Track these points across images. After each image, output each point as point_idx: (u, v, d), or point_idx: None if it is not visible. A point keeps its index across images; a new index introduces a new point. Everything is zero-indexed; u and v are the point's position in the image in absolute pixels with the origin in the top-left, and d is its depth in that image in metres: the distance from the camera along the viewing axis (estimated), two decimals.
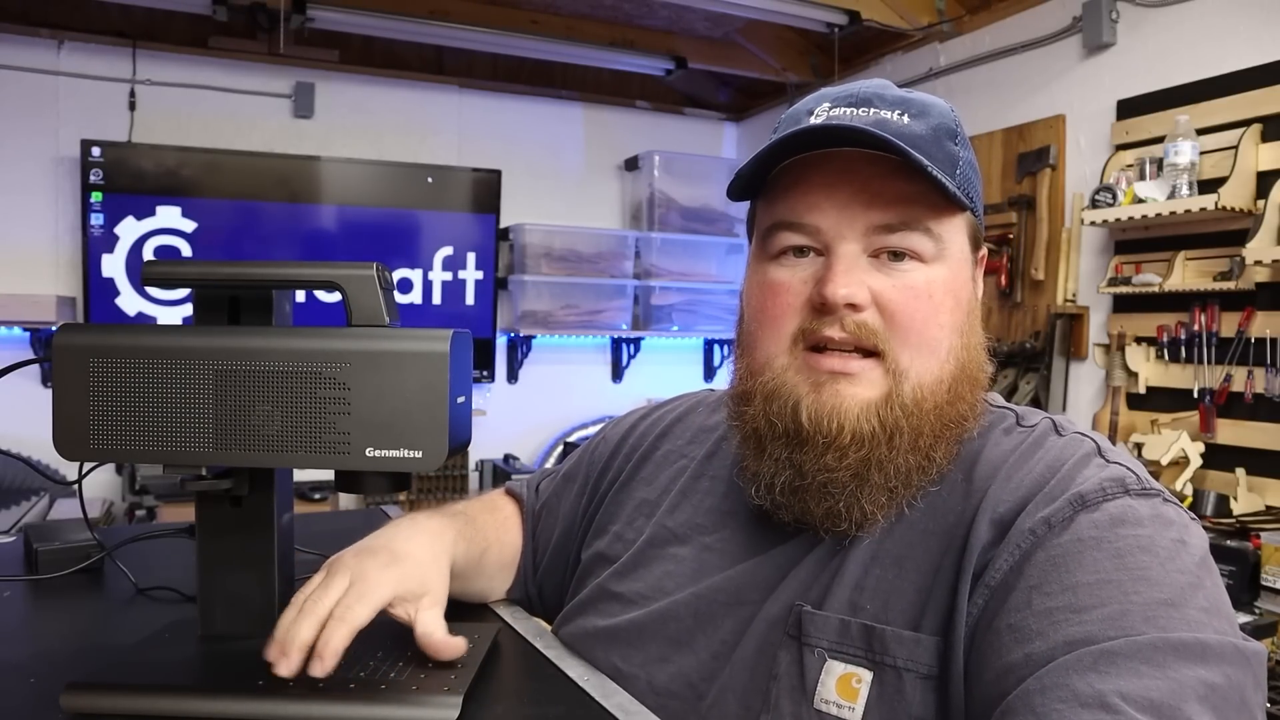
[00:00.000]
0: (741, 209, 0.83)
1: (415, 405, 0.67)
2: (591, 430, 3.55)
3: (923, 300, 0.70)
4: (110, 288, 3.22)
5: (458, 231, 3.69)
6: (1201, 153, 2.38)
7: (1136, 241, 2.62)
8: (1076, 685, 0.54)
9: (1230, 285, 2.32)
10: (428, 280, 3.67)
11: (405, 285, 3.63)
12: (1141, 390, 2.60)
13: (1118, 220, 2.50)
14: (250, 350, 0.67)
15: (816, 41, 3.64)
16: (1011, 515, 0.65)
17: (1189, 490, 2.41)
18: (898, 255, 0.71)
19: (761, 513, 0.76)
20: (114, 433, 0.68)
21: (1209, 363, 2.42)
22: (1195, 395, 2.44)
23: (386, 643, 0.74)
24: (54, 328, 2.74)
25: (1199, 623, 0.57)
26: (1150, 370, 2.58)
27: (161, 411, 0.68)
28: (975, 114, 3.16)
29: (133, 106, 3.33)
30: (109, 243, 3.19)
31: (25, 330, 3.19)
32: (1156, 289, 2.49)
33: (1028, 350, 2.89)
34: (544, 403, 4.00)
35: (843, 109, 0.73)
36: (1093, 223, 2.58)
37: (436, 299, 3.68)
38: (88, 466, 0.76)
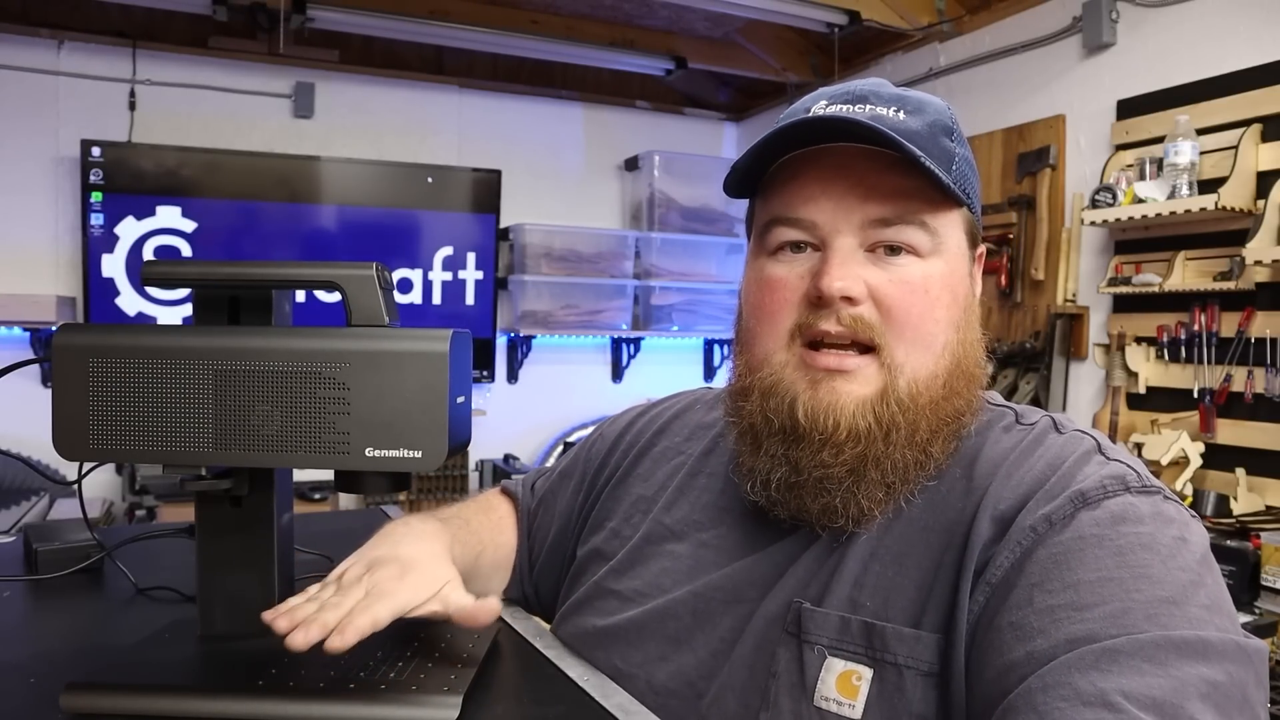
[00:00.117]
0: (741, 209, 0.84)
1: (415, 405, 0.67)
2: (591, 430, 3.55)
3: (919, 295, 0.71)
4: (110, 288, 3.22)
5: (458, 231, 3.69)
6: (1201, 153, 2.38)
7: (1136, 241, 2.62)
8: (1078, 683, 0.54)
9: (1230, 285, 2.32)
10: (428, 280, 3.67)
11: (405, 285, 3.63)
12: (1141, 390, 2.60)
13: (1118, 220, 2.50)
14: (250, 350, 0.67)
15: (816, 41, 3.64)
16: (1012, 512, 0.65)
17: (1189, 490, 2.41)
18: (894, 250, 0.71)
19: (758, 509, 0.76)
20: (114, 433, 0.68)
21: (1209, 363, 2.42)
22: (1195, 395, 2.44)
23: (386, 643, 0.74)
24: (54, 328, 2.74)
25: (1200, 620, 0.57)
26: (1150, 370, 2.58)
27: (161, 411, 0.68)
28: (975, 114, 3.16)
29: (133, 106, 3.33)
30: (109, 243, 3.19)
31: (25, 330, 3.19)
32: (1156, 289, 2.49)
33: (1028, 350, 2.89)
34: (544, 403, 4.00)
35: (839, 106, 0.73)
36: (1093, 223, 2.58)
37: (436, 299, 3.68)
38: (88, 466, 0.76)
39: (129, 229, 3.21)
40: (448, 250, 3.68)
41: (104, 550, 1.03)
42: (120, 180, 3.18)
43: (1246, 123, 2.32)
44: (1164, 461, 2.39)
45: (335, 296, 0.71)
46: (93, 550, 1.03)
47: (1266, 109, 2.30)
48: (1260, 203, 2.25)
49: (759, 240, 0.76)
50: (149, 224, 3.24)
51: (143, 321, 3.22)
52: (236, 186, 3.34)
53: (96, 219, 3.17)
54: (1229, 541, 2.10)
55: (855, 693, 0.66)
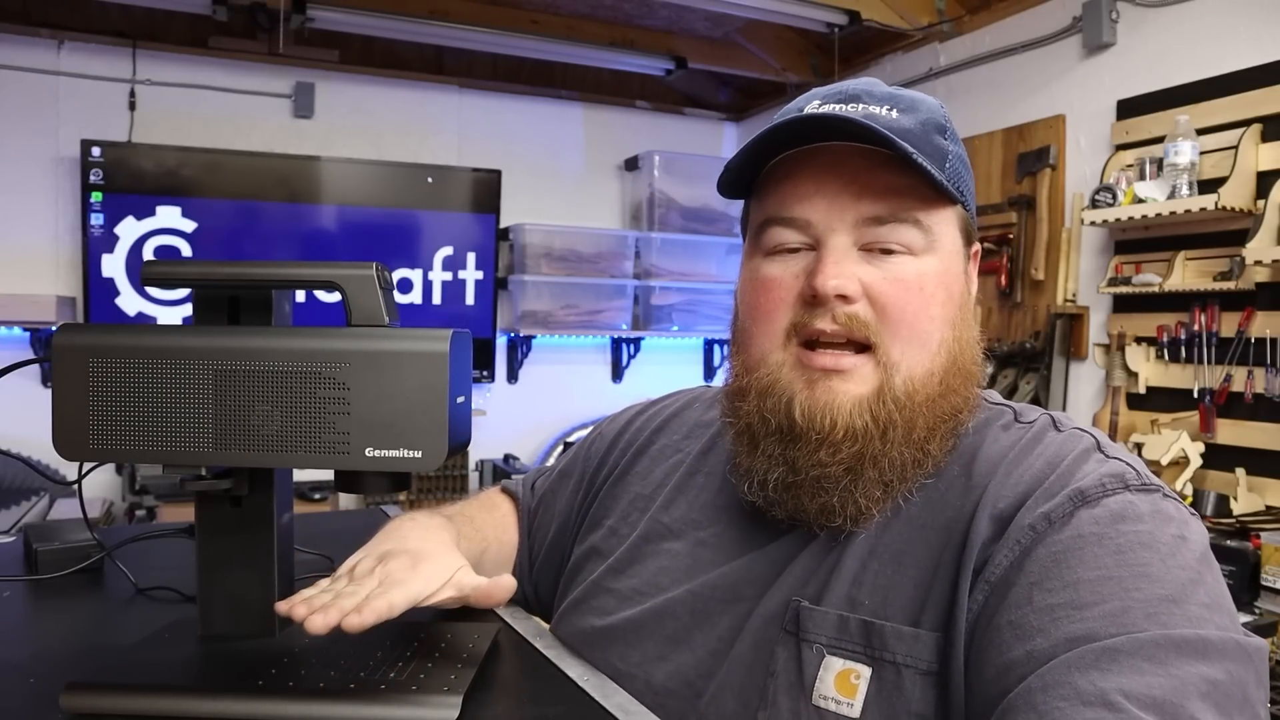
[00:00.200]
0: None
1: (415, 405, 0.67)
2: (591, 429, 3.55)
3: (913, 292, 0.71)
4: (110, 288, 3.22)
5: (458, 231, 3.69)
6: (1201, 153, 2.38)
7: (1136, 241, 2.62)
8: (1078, 683, 0.54)
9: (1230, 285, 2.32)
10: (428, 280, 3.67)
11: (405, 285, 3.63)
12: (1141, 390, 2.60)
13: (1118, 220, 2.50)
14: (250, 350, 0.67)
15: (816, 41, 3.64)
16: (1011, 511, 0.65)
17: (1189, 490, 2.41)
18: (888, 248, 0.71)
19: (756, 509, 0.76)
20: (114, 433, 0.68)
21: (1209, 363, 2.42)
22: (1195, 395, 2.44)
23: (386, 643, 0.74)
24: (54, 328, 2.74)
25: (1200, 619, 0.57)
26: (1150, 370, 2.58)
27: (161, 411, 0.68)
28: (975, 114, 3.16)
29: (133, 106, 3.33)
30: (109, 243, 3.19)
31: (25, 330, 3.19)
32: (1156, 289, 2.49)
33: (1028, 350, 2.89)
34: (544, 403, 4.00)
35: (832, 105, 0.74)
36: (1093, 223, 2.58)
37: (436, 299, 3.68)
38: (88, 466, 0.76)
39: (129, 229, 3.21)
40: (448, 250, 3.68)
41: (104, 550, 1.03)
42: (120, 180, 3.18)
43: (1246, 123, 2.32)
44: (1164, 461, 2.39)
45: (335, 296, 0.70)
46: (93, 550, 1.03)
47: (1266, 109, 2.30)
48: (1260, 203, 2.25)
49: (754, 240, 0.77)
50: (149, 224, 3.24)
51: (143, 321, 3.22)
52: (236, 186, 3.35)
53: (96, 219, 3.17)
54: (1229, 541, 2.10)
55: (854, 691, 0.66)
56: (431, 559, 0.74)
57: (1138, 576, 0.58)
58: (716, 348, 4.30)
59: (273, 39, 3.24)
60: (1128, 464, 0.66)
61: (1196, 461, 2.40)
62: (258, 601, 0.79)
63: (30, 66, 3.19)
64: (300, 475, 2.81)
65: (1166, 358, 2.53)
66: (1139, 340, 2.61)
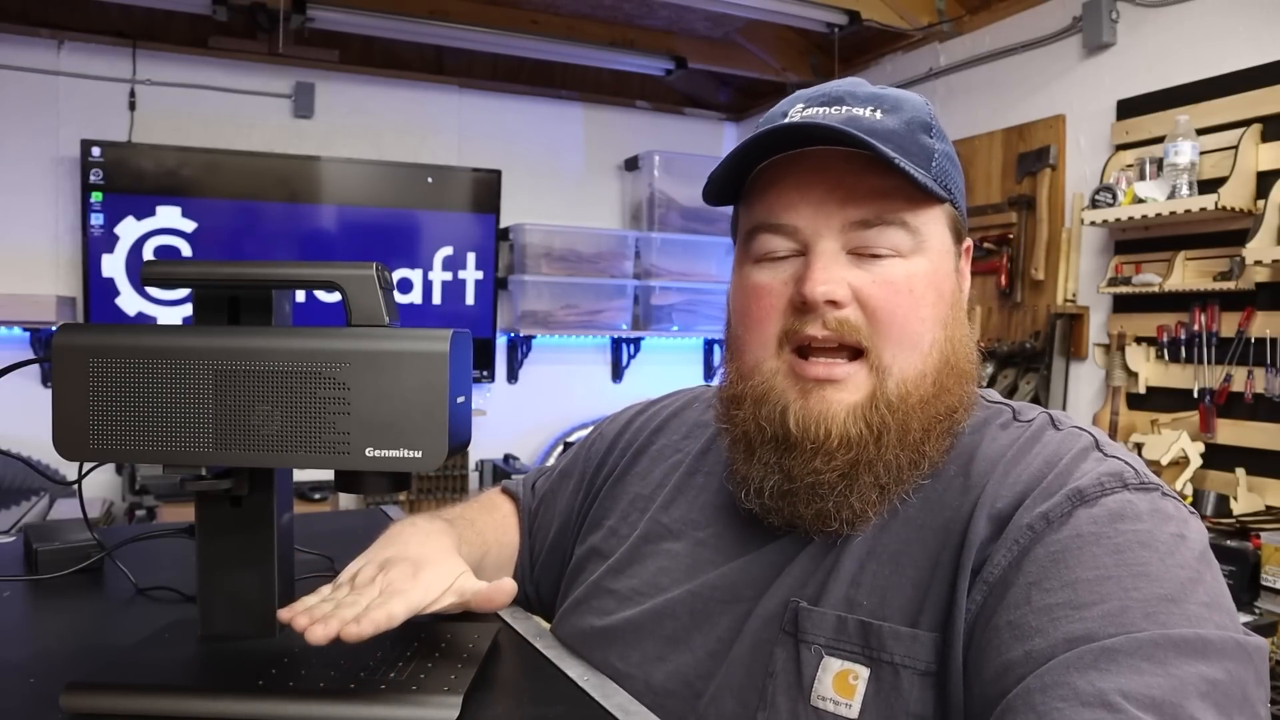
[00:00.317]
0: None
1: (415, 405, 0.67)
2: (591, 429, 3.55)
3: (903, 295, 0.71)
4: (110, 288, 3.22)
5: (458, 231, 3.69)
6: (1201, 153, 2.38)
7: (1136, 241, 2.62)
8: (1077, 683, 0.54)
9: (1230, 285, 2.32)
10: (428, 280, 3.67)
11: (405, 285, 3.63)
12: (1141, 390, 2.60)
13: (1118, 220, 2.50)
14: (250, 350, 0.67)
15: (816, 41, 3.64)
16: (1009, 510, 0.65)
17: (1189, 490, 2.41)
18: (876, 251, 0.71)
19: (754, 512, 0.76)
20: (114, 433, 0.68)
21: (1209, 363, 2.42)
22: (1195, 395, 2.44)
23: (386, 643, 0.74)
24: (54, 328, 2.74)
25: (1199, 618, 0.57)
26: (1150, 370, 2.58)
27: (161, 411, 0.68)
28: (975, 114, 3.16)
29: (133, 106, 3.33)
30: (109, 243, 3.19)
31: (25, 330, 3.19)
32: (1156, 289, 2.49)
33: (1028, 350, 2.89)
34: (544, 403, 4.00)
35: (816, 108, 0.74)
36: (1093, 223, 2.58)
37: (436, 299, 3.68)
38: (88, 466, 0.76)
39: (129, 229, 3.21)
40: (448, 250, 3.68)
41: (104, 550, 1.03)
42: (120, 180, 3.18)
43: (1246, 123, 2.32)
44: (1164, 461, 2.39)
45: (335, 296, 0.70)
46: (93, 550, 1.03)
47: (1266, 109, 2.30)
48: (1260, 203, 2.25)
49: (743, 247, 0.77)
50: (149, 224, 3.24)
51: (143, 321, 3.22)
52: (236, 186, 3.35)
53: (96, 219, 3.17)
54: (1229, 541, 2.10)
55: (852, 692, 0.66)
56: (432, 566, 0.74)
57: (1136, 576, 0.58)
58: (716, 348, 4.30)
59: (273, 39, 3.24)
60: (1126, 463, 0.66)
61: (1196, 461, 2.40)
62: (258, 601, 0.79)
63: (30, 66, 3.19)
64: (300, 475, 2.81)
65: (1166, 358, 2.53)
66: (1139, 340, 2.61)
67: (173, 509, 3.02)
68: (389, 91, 3.73)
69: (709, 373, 4.34)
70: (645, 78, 4.06)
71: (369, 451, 0.67)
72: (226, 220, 3.35)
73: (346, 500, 3.20)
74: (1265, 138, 2.30)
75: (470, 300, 3.73)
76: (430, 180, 3.63)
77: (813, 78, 3.72)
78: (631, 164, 4.11)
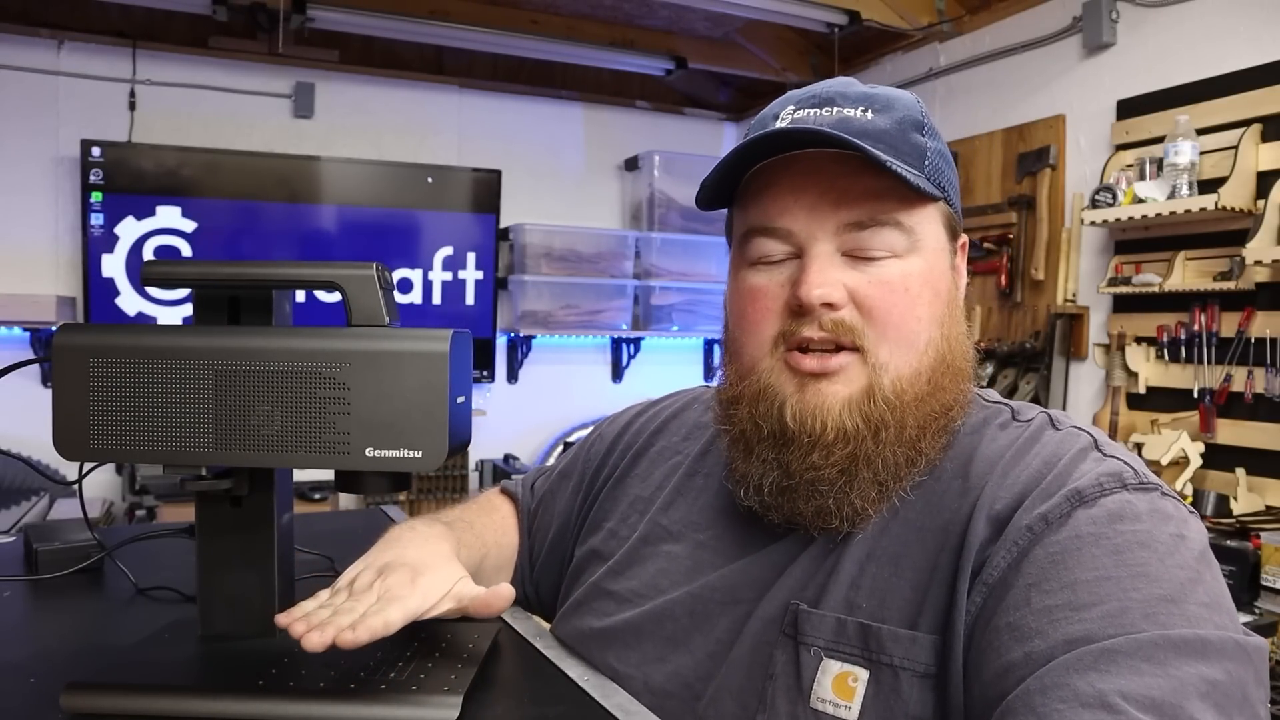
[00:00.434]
0: None
1: (415, 405, 0.67)
2: (590, 430, 3.56)
3: (899, 294, 0.71)
4: (110, 288, 3.22)
5: (458, 231, 3.69)
6: (1201, 153, 2.38)
7: (1136, 241, 2.62)
8: (1077, 685, 0.54)
9: (1230, 285, 2.32)
10: (428, 280, 3.67)
11: (405, 285, 3.63)
12: (1141, 390, 2.60)
13: (1118, 220, 2.50)
14: (250, 350, 0.67)
15: (816, 41, 3.64)
16: (1009, 512, 0.65)
17: (1189, 490, 2.41)
18: (871, 253, 0.71)
19: (754, 512, 0.76)
20: (114, 433, 0.68)
21: (1209, 363, 2.42)
22: (1195, 395, 2.44)
23: (386, 643, 0.74)
24: (54, 328, 2.74)
25: (1199, 618, 0.56)
26: (1150, 370, 2.58)
27: (161, 411, 0.68)
28: (975, 114, 3.16)
29: (133, 106, 3.33)
30: (109, 243, 3.19)
31: (25, 330, 3.19)
32: (1156, 289, 2.49)
33: (1028, 350, 2.89)
34: (544, 403, 4.00)
35: (807, 110, 0.74)
36: (1093, 223, 2.58)
37: (436, 299, 3.68)
38: (88, 466, 0.76)
39: (129, 229, 3.21)
40: (448, 250, 3.68)
41: (104, 550, 1.03)
42: (120, 180, 3.18)
43: (1246, 123, 2.32)
44: (1164, 461, 2.39)
45: (335, 296, 0.71)
46: (93, 550, 1.03)
47: (1266, 109, 2.30)
48: (1260, 203, 2.25)
49: (738, 250, 0.77)
50: (149, 224, 3.24)
51: (143, 321, 3.22)
52: (236, 186, 3.35)
53: (96, 219, 3.17)
54: (1229, 541, 2.10)
55: (852, 694, 0.66)
56: (431, 571, 0.74)
57: (1136, 576, 0.58)
58: (716, 348, 4.30)
59: (273, 39, 3.24)
60: (1125, 462, 0.66)
61: (1196, 461, 2.40)
62: (258, 601, 0.79)
63: (30, 66, 3.19)
64: (300, 475, 2.81)
65: (1166, 358, 2.53)
66: (1139, 340, 2.61)
67: (173, 509, 3.02)
68: (389, 91, 3.73)
69: (709, 373, 4.34)
70: (645, 78, 4.06)
71: (369, 451, 0.67)
72: (226, 220, 3.35)
73: (346, 500, 3.20)
74: (1265, 138, 2.30)
75: (470, 300, 3.73)
76: (430, 180, 3.63)
77: (813, 77, 3.72)
78: (631, 164, 4.11)
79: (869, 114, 0.72)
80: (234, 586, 0.79)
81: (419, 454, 0.67)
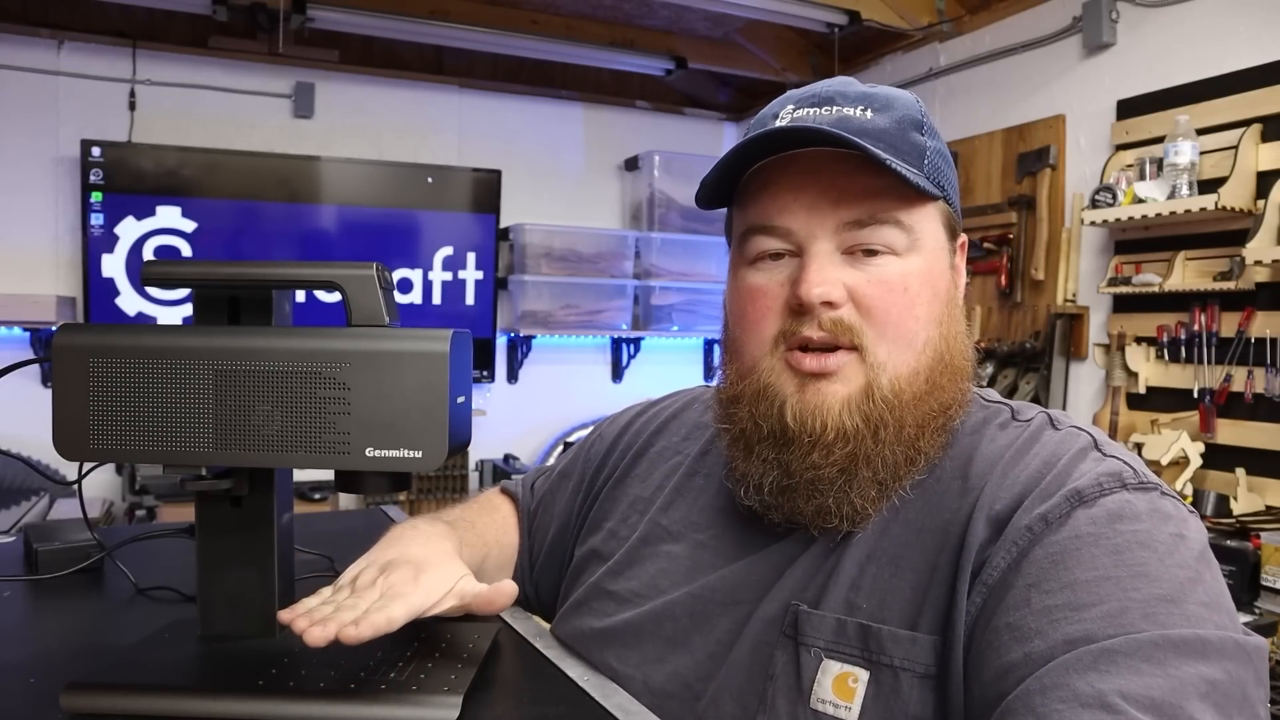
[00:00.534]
0: None
1: (415, 405, 0.67)
2: (590, 430, 3.55)
3: (898, 293, 0.71)
4: (110, 288, 3.22)
5: (458, 231, 3.69)
6: (1201, 153, 2.38)
7: (1136, 241, 2.62)
8: (1077, 685, 0.54)
9: (1230, 285, 2.32)
10: (428, 280, 3.67)
11: (405, 285, 3.63)
12: (1141, 390, 2.60)
13: (1118, 220, 2.50)
14: (250, 350, 0.67)
15: (816, 41, 3.64)
16: (1008, 512, 0.65)
17: (1189, 490, 2.41)
18: (870, 250, 0.71)
19: (754, 512, 0.76)
20: (114, 433, 0.68)
21: (1209, 363, 2.42)
22: (1195, 395, 2.44)
23: (387, 643, 0.74)
24: (54, 328, 2.74)
25: (1199, 618, 0.56)
26: (1150, 370, 2.58)
27: (161, 411, 0.68)
28: (975, 114, 3.16)
29: (133, 106, 3.33)
30: (109, 243, 3.19)
31: (25, 330, 3.19)
32: (1156, 289, 2.49)
33: (1028, 350, 2.89)
34: (544, 403, 4.00)
35: (806, 109, 0.74)
36: (1093, 223, 2.58)
37: (436, 299, 3.68)
38: (88, 466, 0.76)
39: (129, 229, 3.21)
40: (448, 250, 3.68)
41: (104, 550, 1.03)
42: (120, 180, 3.18)
43: (1246, 123, 2.32)
44: (1164, 461, 2.39)
45: (335, 296, 0.70)
46: (93, 550, 1.03)
47: (1266, 109, 2.30)
48: (1260, 203, 2.25)
49: (738, 249, 0.77)
50: (149, 224, 3.24)
51: (143, 321, 3.22)
52: (236, 186, 3.35)
53: (96, 219, 3.17)
54: (1229, 541, 2.10)
55: (852, 695, 0.66)
56: (433, 569, 0.74)
57: (1135, 576, 0.58)
58: (716, 348, 4.27)
59: (273, 39, 3.24)
60: (1125, 462, 0.66)
61: (1196, 461, 2.40)
62: (258, 601, 0.79)
63: (30, 66, 3.19)
64: (300, 475, 2.81)
65: (1166, 358, 2.53)
66: (1139, 340, 2.61)
67: (173, 509, 3.02)
68: (389, 91, 3.73)
69: (709, 373, 4.34)
70: (645, 78, 4.06)
71: (369, 451, 0.67)
72: (226, 220, 3.35)
73: (346, 500, 3.20)
74: (1265, 138, 2.30)
75: (470, 300, 3.73)
76: (430, 180, 3.63)
77: (813, 77, 3.71)
78: (631, 164, 4.11)
79: (868, 113, 0.72)
80: (234, 586, 0.79)
81: (419, 454, 0.67)
